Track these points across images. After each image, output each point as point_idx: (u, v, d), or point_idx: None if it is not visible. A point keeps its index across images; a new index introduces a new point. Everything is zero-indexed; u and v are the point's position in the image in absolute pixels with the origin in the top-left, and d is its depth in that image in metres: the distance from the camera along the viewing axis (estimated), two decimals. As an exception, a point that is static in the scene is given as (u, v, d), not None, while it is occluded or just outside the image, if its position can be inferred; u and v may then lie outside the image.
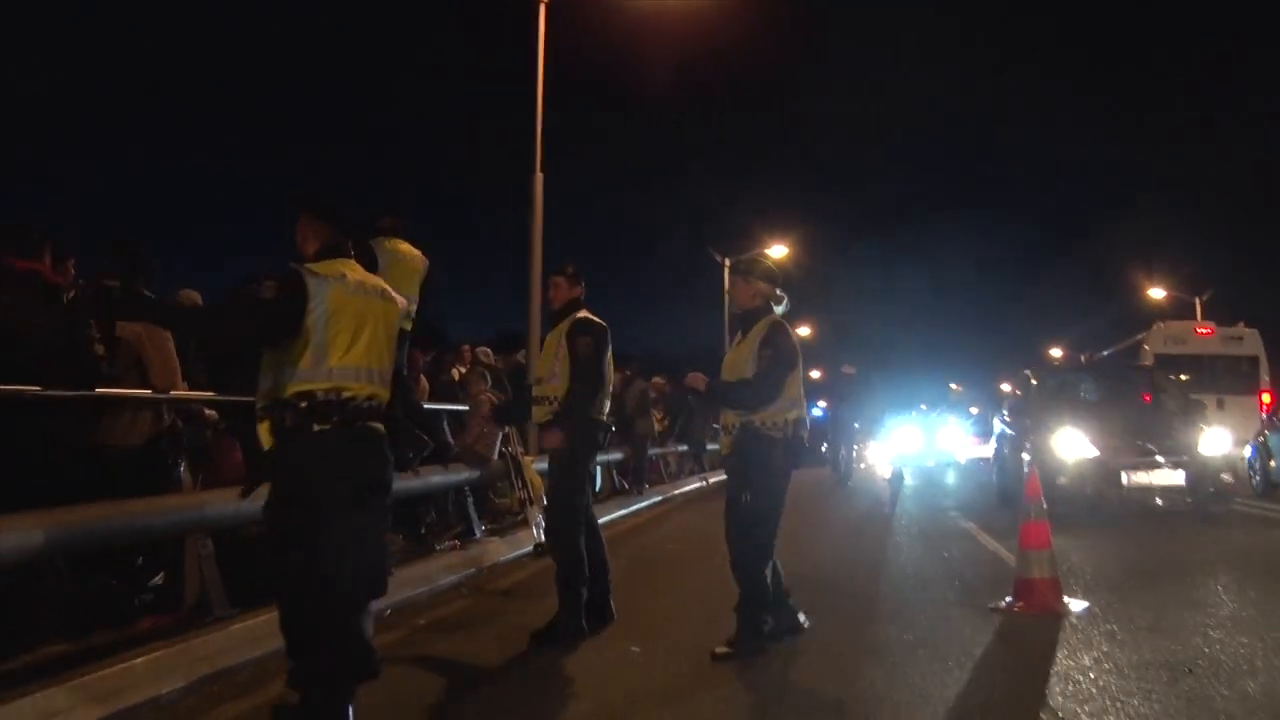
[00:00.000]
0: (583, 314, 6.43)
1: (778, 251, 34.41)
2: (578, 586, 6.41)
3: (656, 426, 19.16)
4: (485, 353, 13.43)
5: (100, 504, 5.47)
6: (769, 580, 6.03)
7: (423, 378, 11.24)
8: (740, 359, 6.00)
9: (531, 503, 10.55)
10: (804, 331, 51.43)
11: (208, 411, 7.36)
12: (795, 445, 5.92)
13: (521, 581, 8.82)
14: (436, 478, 9.17)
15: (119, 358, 6.27)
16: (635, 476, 16.80)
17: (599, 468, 16.00)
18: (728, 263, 34.01)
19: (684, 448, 22.73)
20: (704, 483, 22.45)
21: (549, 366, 6.43)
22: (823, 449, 24.58)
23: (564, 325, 6.39)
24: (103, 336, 6.08)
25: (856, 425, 23.52)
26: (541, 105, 13.74)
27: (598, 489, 15.83)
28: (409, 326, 8.86)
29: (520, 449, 11.06)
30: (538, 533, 10.33)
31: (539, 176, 13.40)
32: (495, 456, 10.26)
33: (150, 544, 6.14)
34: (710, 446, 24.49)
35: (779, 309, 6.18)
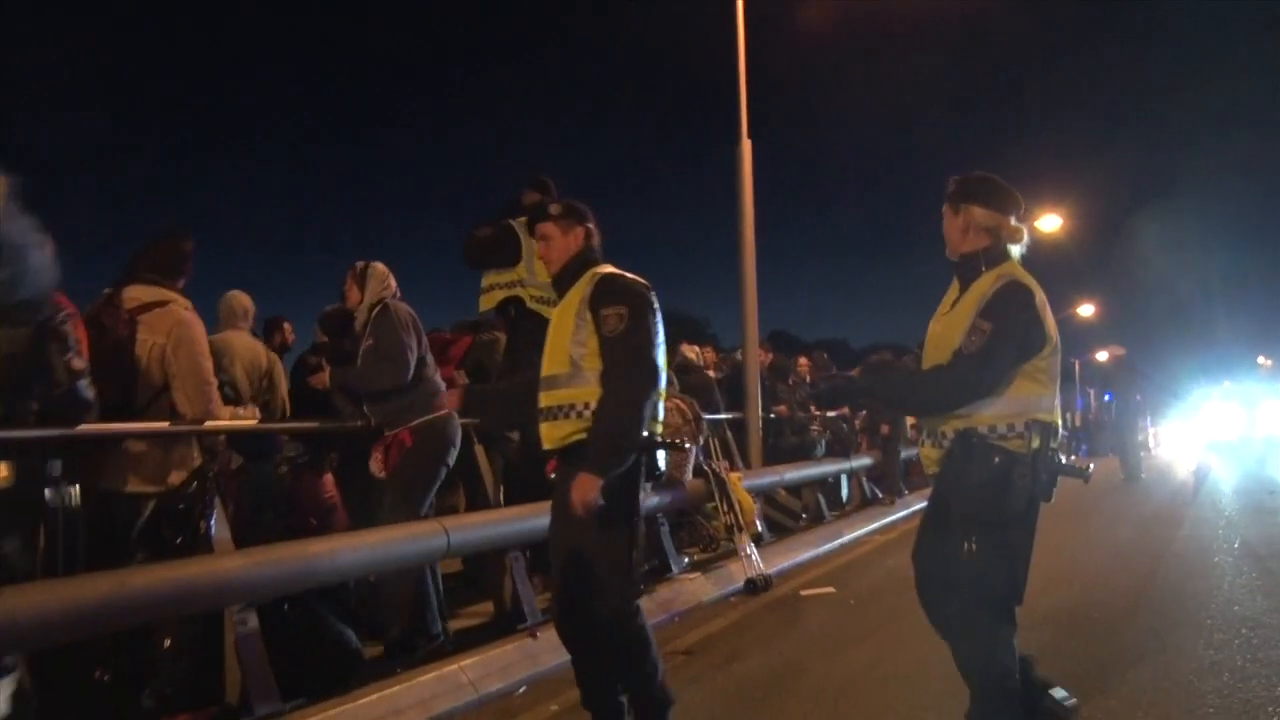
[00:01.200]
0: (606, 269, 4.09)
1: (1049, 223, 30.90)
2: None
3: (910, 422, 16.87)
4: (695, 348, 11.72)
5: (101, 575, 4.15)
6: (1015, 669, 3.95)
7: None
8: (950, 332, 3.95)
9: (741, 529, 8.73)
10: (1086, 311, 46.99)
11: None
12: (1043, 464, 3.80)
13: (715, 635, 6.99)
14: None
15: (141, 378, 4.89)
16: (887, 484, 14.62)
17: (846, 476, 13.97)
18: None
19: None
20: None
21: (561, 356, 3.99)
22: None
23: (579, 290, 4.03)
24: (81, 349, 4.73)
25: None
26: (744, 65, 11.89)
27: (844, 499, 13.80)
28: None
29: (725, 464, 9.25)
30: (749, 565, 8.53)
31: (746, 144, 11.56)
32: (689, 477, 8.48)
33: (173, 622, 4.72)
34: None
35: (1016, 251, 4.03)
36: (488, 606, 6.97)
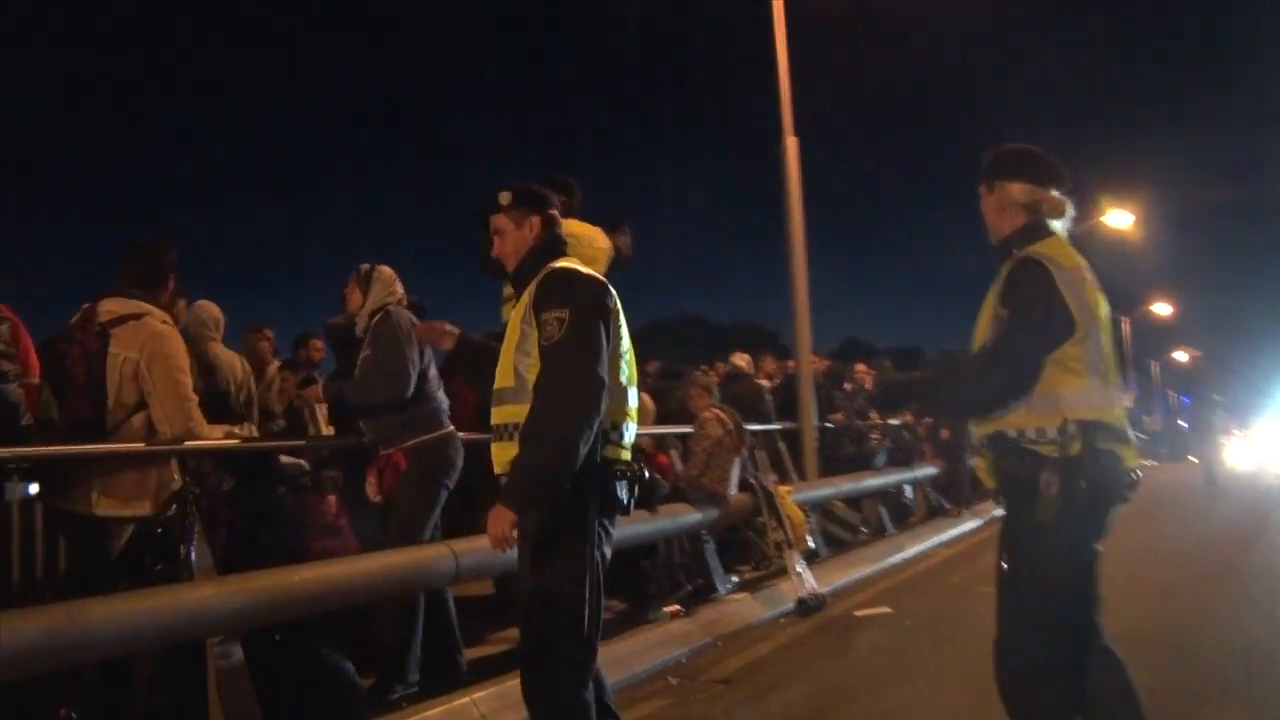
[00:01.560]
0: (559, 265, 3.48)
1: (1120, 220, 29.85)
2: None
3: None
4: (746, 356, 11.21)
5: (49, 607, 3.82)
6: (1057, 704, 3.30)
7: (644, 396, 9.14)
8: (980, 326, 3.51)
9: (791, 545, 8.21)
10: (1163, 310, 45.52)
11: (294, 462, 5.55)
12: (1087, 471, 3.17)
13: (758, 661, 6.48)
14: (645, 525, 7.01)
15: (113, 395, 4.52)
16: (954, 493, 13.95)
17: (911, 486, 13.35)
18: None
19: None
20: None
21: (507, 368, 3.42)
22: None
23: (530, 291, 3.44)
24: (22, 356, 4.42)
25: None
26: (785, 59, 11.40)
27: (910, 509, 13.18)
28: None
29: (773, 478, 8.74)
30: (800, 583, 8.00)
31: (791, 141, 11.05)
32: (733, 490, 7.98)
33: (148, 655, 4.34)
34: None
35: (1059, 225, 3.49)
36: (515, 633, 6.51)
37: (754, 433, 9.63)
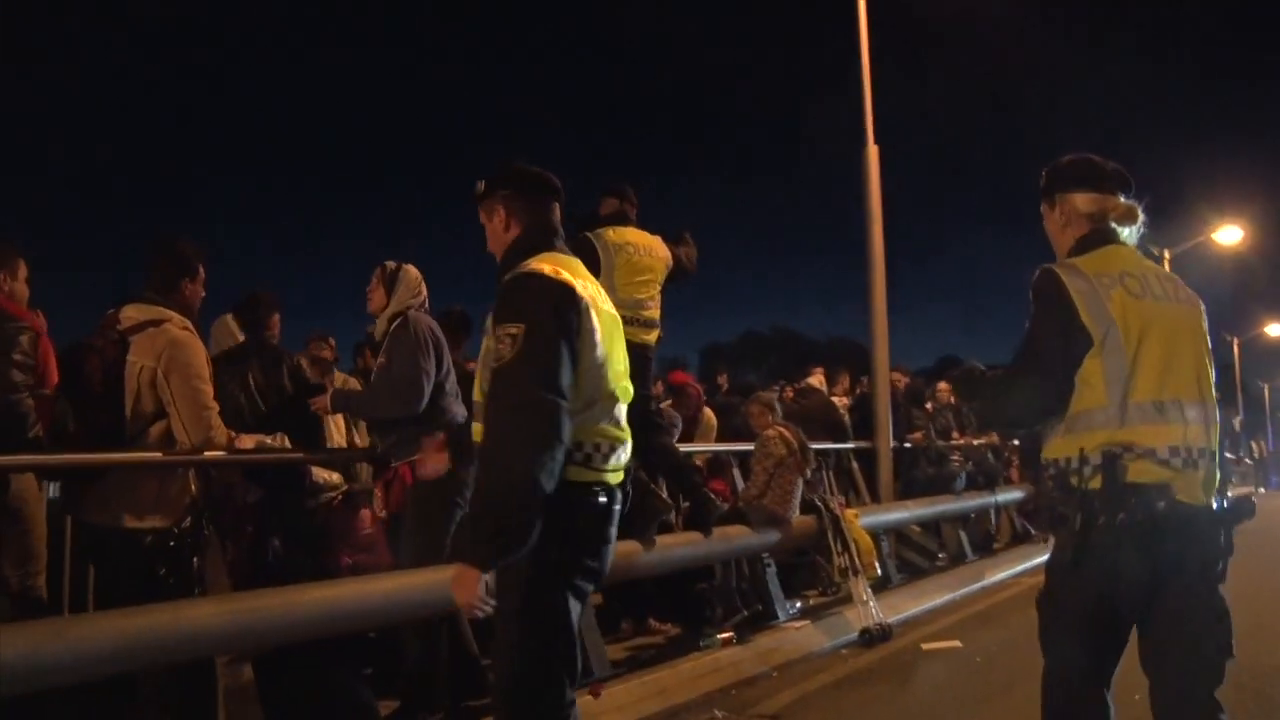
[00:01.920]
0: (527, 267, 3.00)
1: (1230, 236, 28.70)
2: None
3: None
4: (820, 371, 10.84)
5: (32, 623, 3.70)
6: None
7: (707, 412, 8.86)
8: None
9: (858, 571, 7.84)
10: (1277, 331, 43.68)
11: (326, 477, 5.36)
12: (1109, 506, 2.84)
13: (811, 696, 6.13)
14: (697, 548, 6.72)
15: (134, 404, 4.39)
16: (1040, 519, 13.35)
17: (994, 510, 12.81)
18: (1168, 256, 28.82)
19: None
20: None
21: (478, 383, 3.10)
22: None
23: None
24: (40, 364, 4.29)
25: None
26: (868, 64, 11.04)
27: (992, 535, 12.66)
28: (651, 340, 6.65)
29: (840, 500, 8.38)
30: (866, 612, 7.64)
31: (872, 149, 10.67)
32: (795, 512, 7.63)
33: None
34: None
35: (1127, 233, 3.17)
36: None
37: (825, 452, 9.29)
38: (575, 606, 2.95)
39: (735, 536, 7.03)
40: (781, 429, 7.68)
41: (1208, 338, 3.09)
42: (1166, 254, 28.60)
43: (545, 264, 2.99)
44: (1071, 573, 2.92)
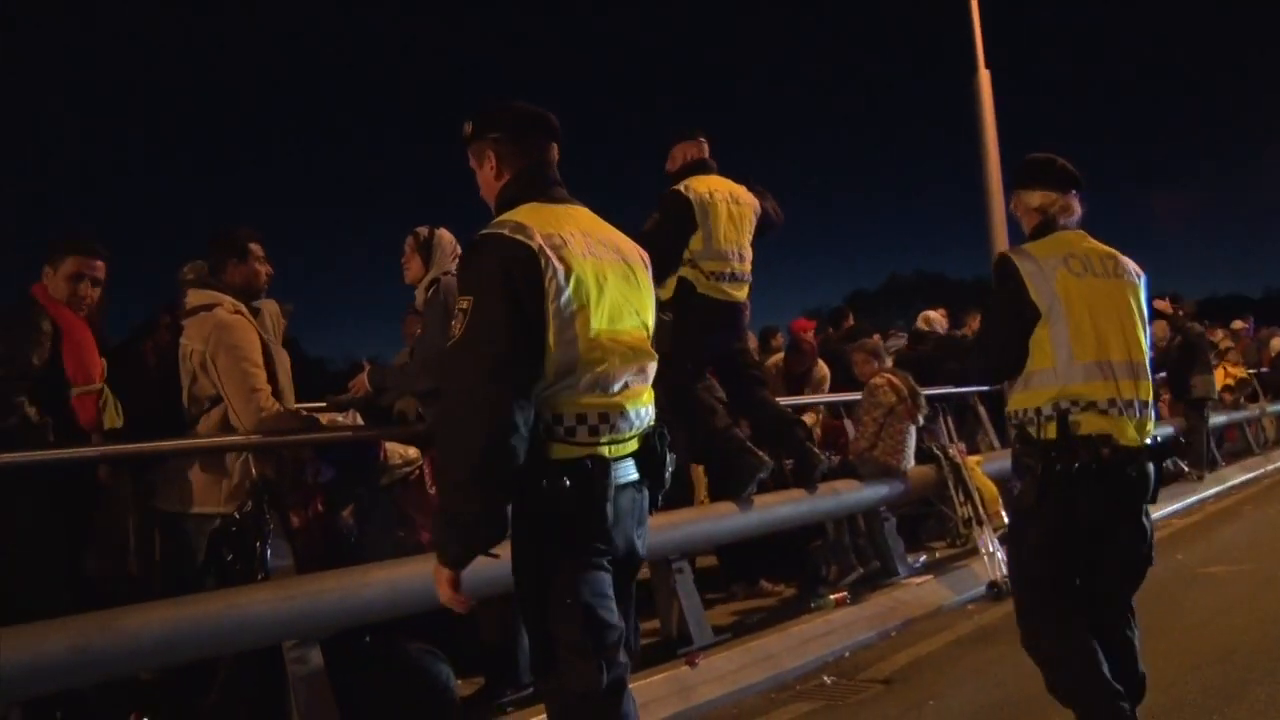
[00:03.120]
0: (492, 225, 2.73)
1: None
2: None
3: (1221, 383, 14.60)
4: (939, 311, 10.30)
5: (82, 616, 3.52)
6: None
7: (821, 364, 8.47)
8: None
9: (982, 521, 7.41)
10: None
11: (402, 453, 5.22)
12: (1064, 454, 3.50)
13: (929, 657, 5.78)
14: (801, 505, 6.40)
15: (189, 389, 4.33)
16: (1194, 455, 12.55)
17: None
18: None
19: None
20: (1319, 449, 17.10)
21: None
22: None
23: None
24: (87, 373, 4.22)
25: None
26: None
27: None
28: (743, 295, 6.32)
29: (960, 447, 7.93)
30: (992, 564, 7.22)
31: (984, 74, 10.06)
32: (910, 463, 7.23)
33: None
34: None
35: (1067, 222, 3.84)
36: (655, 624, 6.04)
37: (945, 396, 8.81)
38: (595, 579, 2.71)
39: (844, 491, 6.69)
40: (890, 376, 7.27)
41: (1143, 306, 3.69)
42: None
43: (518, 217, 2.72)
44: (1035, 512, 3.56)
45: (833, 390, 8.48)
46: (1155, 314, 14.89)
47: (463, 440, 2.57)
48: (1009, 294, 3.60)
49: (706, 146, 6.29)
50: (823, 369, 8.34)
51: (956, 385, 9.25)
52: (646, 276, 2.99)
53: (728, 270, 6.05)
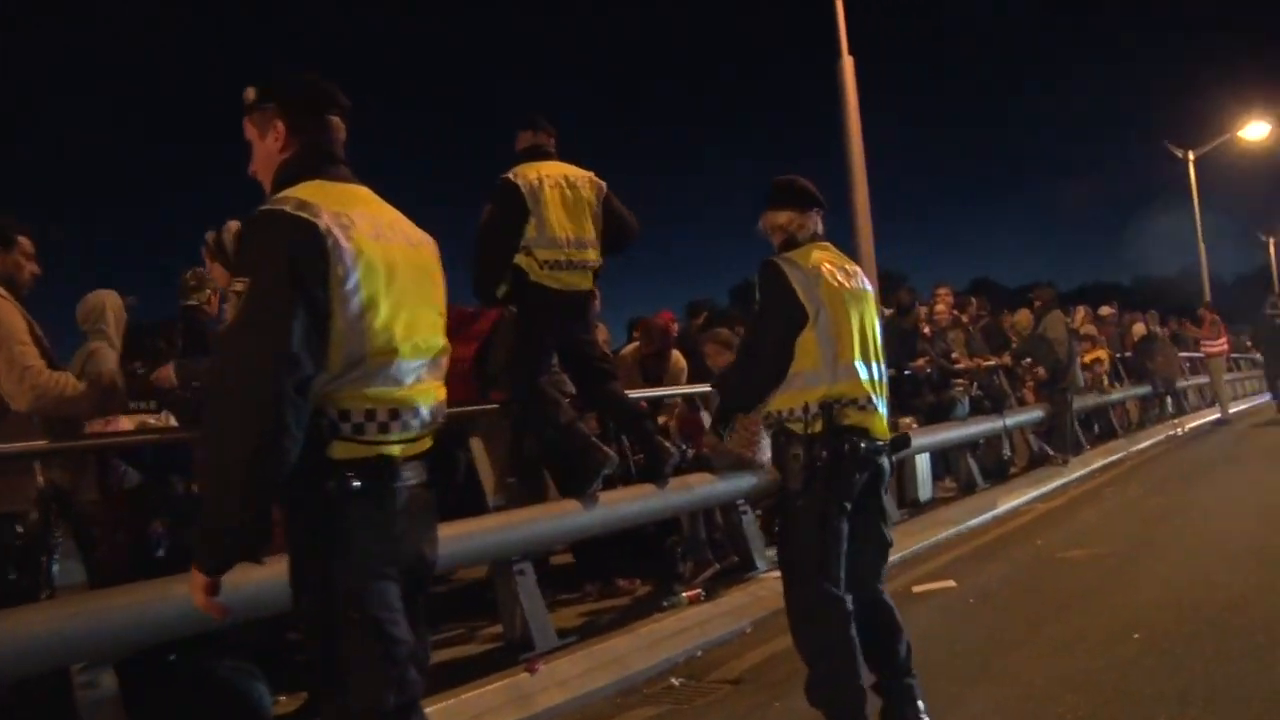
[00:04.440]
0: (272, 201, 2.53)
1: (1257, 131, 27.56)
2: None
3: (1088, 367, 14.89)
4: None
5: None
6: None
7: (676, 354, 8.25)
8: None
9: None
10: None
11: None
12: (828, 444, 3.81)
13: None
14: (651, 500, 6.17)
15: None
16: (1058, 440, 12.72)
17: (1004, 436, 12.17)
18: (1192, 157, 27.78)
19: (1145, 390, 17.86)
20: (1177, 431, 17.57)
21: None
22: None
23: None
24: None
25: None
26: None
27: (1007, 457, 12.00)
28: (588, 284, 6.09)
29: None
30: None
31: (847, 60, 9.95)
32: (766, 456, 7.04)
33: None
34: (1183, 383, 19.59)
35: (807, 237, 4.12)
36: (499, 629, 5.76)
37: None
38: (382, 590, 2.45)
39: (697, 485, 6.48)
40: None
41: (877, 313, 4.13)
42: (1191, 155, 27.62)
43: (301, 194, 2.44)
44: (802, 496, 3.81)
45: (693, 382, 8.26)
46: (1020, 303, 15.13)
47: (229, 438, 2.29)
48: (780, 299, 3.85)
49: (546, 131, 6.06)
50: (679, 359, 8.11)
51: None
52: (437, 264, 2.77)
53: (564, 259, 5.82)
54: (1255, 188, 43.66)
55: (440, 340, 2.68)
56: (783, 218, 4.08)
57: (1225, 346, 20.34)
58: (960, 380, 11.24)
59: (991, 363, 12.64)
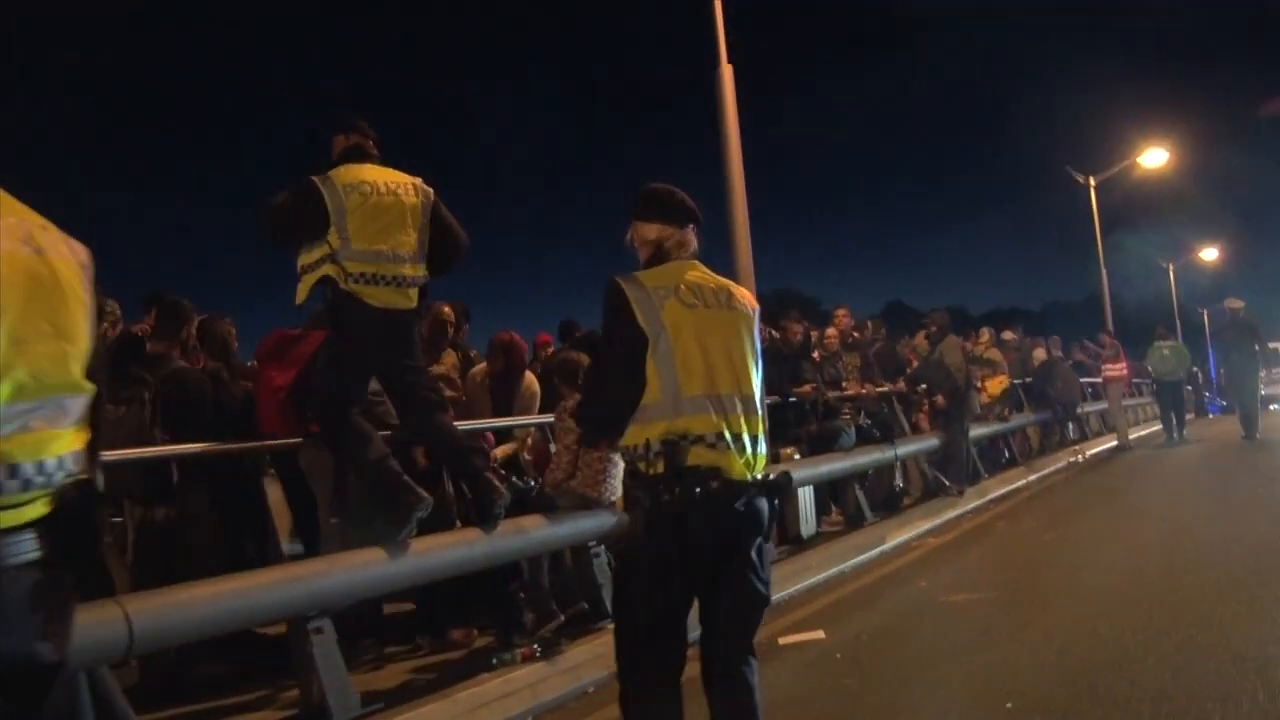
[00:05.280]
0: None
1: (1155, 158, 27.78)
2: None
3: (989, 394, 14.50)
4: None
5: None
6: None
7: (530, 377, 7.55)
8: None
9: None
10: (1210, 256, 43.24)
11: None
12: (671, 488, 3.23)
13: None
14: (477, 546, 5.46)
15: None
16: (953, 470, 12.23)
17: (899, 465, 11.68)
18: (1094, 183, 27.88)
19: (1046, 416, 17.56)
20: (1078, 458, 17.33)
21: None
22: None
23: None
24: None
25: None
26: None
27: (899, 488, 11.48)
28: (411, 303, 5.46)
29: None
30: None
31: (726, 69, 9.39)
32: (616, 493, 6.37)
33: None
34: (1083, 409, 19.42)
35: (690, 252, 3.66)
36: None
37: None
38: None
39: (530, 529, 5.75)
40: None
41: (755, 339, 3.49)
42: (1093, 181, 27.72)
43: None
44: (645, 544, 3.26)
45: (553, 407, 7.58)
46: (919, 327, 14.68)
47: None
48: (616, 321, 3.35)
49: (364, 133, 5.47)
50: (531, 382, 7.41)
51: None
52: (78, 281, 2.19)
53: (380, 273, 5.21)
54: (1157, 215, 44.41)
55: (68, 376, 2.09)
56: (653, 231, 3.58)
57: (1125, 371, 20.21)
58: (847, 408, 10.68)
59: (885, 388, 12.15)
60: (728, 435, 3.26)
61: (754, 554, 3.34)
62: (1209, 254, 43.53)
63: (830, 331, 11.68)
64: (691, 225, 3.64)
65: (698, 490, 3.20)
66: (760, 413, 3.43)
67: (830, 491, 10.49)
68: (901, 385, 12.66)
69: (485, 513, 5.49)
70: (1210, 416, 28.50)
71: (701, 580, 3.30)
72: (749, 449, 3.33)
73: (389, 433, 5.59)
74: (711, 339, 3.34)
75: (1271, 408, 25.16)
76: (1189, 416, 23.48)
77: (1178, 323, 36.03)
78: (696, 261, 3.59)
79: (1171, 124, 38.44)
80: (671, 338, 3.27)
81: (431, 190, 5.52)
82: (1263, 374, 20.22)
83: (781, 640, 6.24)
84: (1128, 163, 27.86)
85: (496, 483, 5.60)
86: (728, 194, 9.21)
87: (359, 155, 5.41)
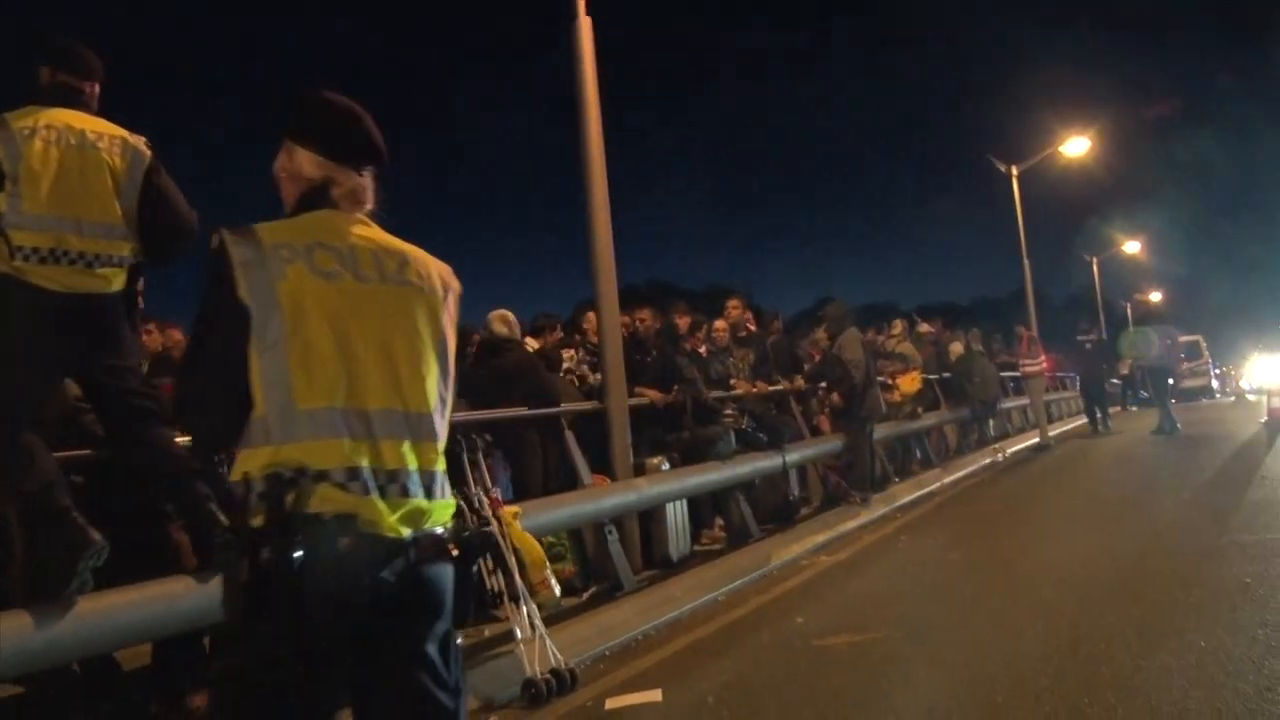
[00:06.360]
0: None
1: (1077, 147, 27.06)
2: None
3: (901, 391, 13.46)
4: (507, 314, 8.28)
5: None
6: None
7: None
8: None
9: (516, 597, 5.41)
10: (1132, 248, 43.09)
11: None
12: (276, 549, 2.07)
13: None
14: (188, 601, 4.17)
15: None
16: (856, 477, 11.09)
17: (794, 472, 10.52)
18: (1015, 172, 27.10)
19: (963, 414, 16.60)
20: (998, 457, 16.40)
21: None
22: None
23: None
24: None
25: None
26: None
27: (794, 498, 10.32)
28: (109, 286, 4.23)
29: (494, 494, 5.89)
30: (529, 654, 5.29)
31: (585, 21, 8.17)
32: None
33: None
34: (1004, 404, 18.64)
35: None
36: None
37: (493, 424, 6.84)
38: None
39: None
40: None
41: (444, 331, 2.41)
42: (1014, 170, 26.95)
43: None
44: (247, 636, 2.15)
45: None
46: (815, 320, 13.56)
47: None
48: (213, 291, 2.26)
49: (77, 70, 4.32)
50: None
51: (536, 406, 7.28)
52: None
53: (58, 248, 4.09)
54: (1080, 209, 44.18)
55: None
56: (312, 164, 2.45)
57: (1044, 365, 19.37)
58: (730, 410, 9.44)
59: (780, 386, 10.98)
60: (368, 471, 2.18)
61: (430, 648, 2.24)
62: (1131, 247, 43.31)
63: (719, 324, 10.44)
64: (371, 168, 2.52)
65: (323, 554, 2.09)
66: (437, 437, 2.34)
67: (713, 503, 9.29)
68: (800, 383, 11.52)
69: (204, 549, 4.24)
70: (1132, 410, 27.99)
71: (347, 686, 2.23)
72: (415, 492, 2.25)
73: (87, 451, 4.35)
74: (359, 327, 2.28)
75: (1204, 400, 25.59)
76: (1113, 410, 23.10)
77: (1101, 316, 35.48)
78: (366, 219, 2.47)
79: (1095, 114, 37.90)
80: (288, 322, 2.19)
81: (149, 151, 4.31)
82: (1185, 367, 20.39)
83: (609, 704, 5.01)
84: (1049, 151, 27.12)
85: (218, 516, 4.32)
86: (584, 161, 7.95)
87: (63, 97, 4.23)
